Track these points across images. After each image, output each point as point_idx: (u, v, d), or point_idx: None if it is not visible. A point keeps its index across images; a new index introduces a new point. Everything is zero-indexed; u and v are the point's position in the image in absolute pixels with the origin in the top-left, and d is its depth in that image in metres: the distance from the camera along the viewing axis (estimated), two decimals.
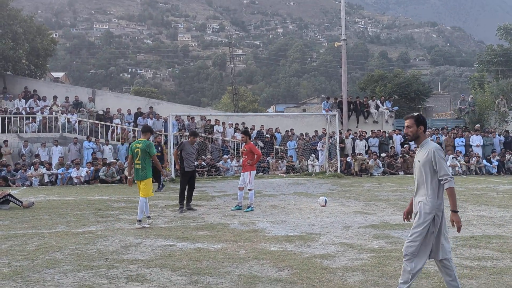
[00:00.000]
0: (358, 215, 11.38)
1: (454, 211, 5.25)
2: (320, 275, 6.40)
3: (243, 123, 28.50)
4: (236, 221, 10.81)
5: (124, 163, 22.72)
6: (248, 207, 12.45)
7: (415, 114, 5.58)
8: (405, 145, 25.95)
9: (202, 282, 6.18)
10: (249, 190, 12.54)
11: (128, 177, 11.08)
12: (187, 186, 12.66)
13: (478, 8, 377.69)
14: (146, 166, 10.52)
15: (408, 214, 5.68)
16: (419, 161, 5.42)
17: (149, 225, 10.25)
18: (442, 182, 5.26)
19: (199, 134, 26.31)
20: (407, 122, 5.53)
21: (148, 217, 10.70)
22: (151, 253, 7.78)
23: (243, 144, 12.95)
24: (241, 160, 18.14)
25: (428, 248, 5.28)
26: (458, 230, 5.23)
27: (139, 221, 10.24)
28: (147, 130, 11.03)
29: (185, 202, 12.58)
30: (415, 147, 25.17)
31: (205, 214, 11.84)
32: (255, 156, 12.60)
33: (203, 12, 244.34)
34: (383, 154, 25.05)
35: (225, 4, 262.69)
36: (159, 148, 18.40)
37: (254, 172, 12.71)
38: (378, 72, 43.36)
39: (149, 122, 26.85)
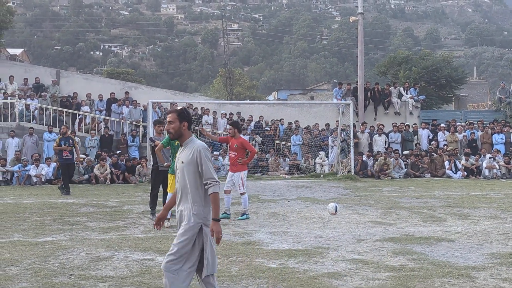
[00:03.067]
0: (375, 225, 11.40)
1: (216, 220, 5.41)
2: None
3: (238, 113, 28.47)
4: (228, 231, 10.81)
5: (95, 160, 22.77)
6: (243, 215, 12.45)
7: (179, 108, 5.76)
8: (433, 142, 25.97)
9: None
10: (242, 194, 12.53)
11: (165, 164, 12.09)
12: (160, 189, 12.74)
13: None
14: None
15: (159, 221, 5.93)
16: (182, 162, 5.56)
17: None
18: (206, 187, 5.43)
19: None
20: (169, 117, 5.69)
21: (168, 219, 11.41)
22: (125, 268, 7.79)
23: (232, 137, 12.73)
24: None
25: (193, 264, 5.43)
26: (217, 242, 5.42)
27: None
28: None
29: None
30: (445, 145, 25.26)
31: None
32: (248, 153, 12.61)
33: None
34: (406, 152, 25.08)
35: None
36: (70, 140, 18.33)
37: (246, 172, 12.72)
38: (401, 53, 43.39)
39: (125, 110, 26.83)
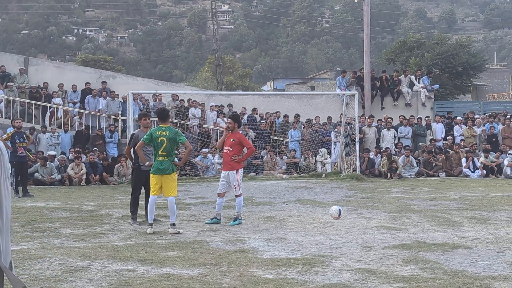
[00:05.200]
0: (383, 231, 11.44)
1: None
2: None
3: (229, 105, 28.47)
4: (219, 237, 10.84)
5: (68, 156, 22.74)
6: (235, 220, 12.46)
7: None
8: (448, 137, 26.01)
9: None
10: (237, 196, 12.53)
11: (147, 163, 12.10)
12: (142, 192, 12.75)
13: None
14: (173, 159, 11.64)
15: None
16: None
17: (182, 231, 11.48)
18: None
19: (170, 118, 26.30)
20: None
21: (150, 224, 11.64)
22: (102, 280, 7.79)
23: (229, 132, 12.73)
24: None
25: None
26: None
27: (173, 224, 11.45)
28: (168, 114, 12.23)
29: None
30: (461, 141, 25.31)
31: (176, 228, 11.85)
32: (245, 150, 12.60)
33: None
34: (421, 143, 25.14)
35: None
36: (24, 136, 18.44)
37: (242, 171, 12.71)
38: (412, 37, 43.47)
39: (102, 102, 26.79)
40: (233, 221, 12.41)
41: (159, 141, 11.45)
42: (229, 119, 12.84)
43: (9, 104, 25.98)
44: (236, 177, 12.42)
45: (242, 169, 12.77)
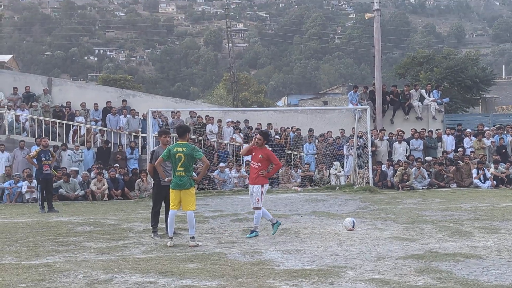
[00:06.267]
0: (396, 241, 11.40)
1: None
2: None
3: (245, 121, 28.52)
4: (236, 250, 10.84)
5: (91, 173, 22.87)
6: (252, 232, 12.46)
7: None
8: (459, 149, 25.88)
9: None
10: (256, 209, 12.52)
11: (166, 179, 12.14)
12: (162, 206, 12.82)
13: None
14: (191, 174, 11.65)
15: None
16: None
17: (201, 244, 11.45)
18: None
19: (188, 134, 26.35)
20: None
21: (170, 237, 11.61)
22: None
23: (255, 145, 12.69)
24: (242, 169, 18.04)
25: None
26: None
27: (192, 237, 11.46)
28: (186, 130, 12.17)
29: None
30: (471, 152, 25.18)
31: (195, 240, 11.88)
32: (272, 166, 12.66)
33: None
34: (428, 158, 25.04)
35: None
36: (49, 154, 18.55)
37: (267, 186, 12.78)
38: (422, 52, 43.42)
39: (122, 120, 26.93)
40: (250, 234, 12.42)
41: (176, 157, 11.51)
42: (258, 135, 12.81)
43: (34, 123, 26.18)
44: (260, 190, 12.50)
45: (267, 184, 12.84)
